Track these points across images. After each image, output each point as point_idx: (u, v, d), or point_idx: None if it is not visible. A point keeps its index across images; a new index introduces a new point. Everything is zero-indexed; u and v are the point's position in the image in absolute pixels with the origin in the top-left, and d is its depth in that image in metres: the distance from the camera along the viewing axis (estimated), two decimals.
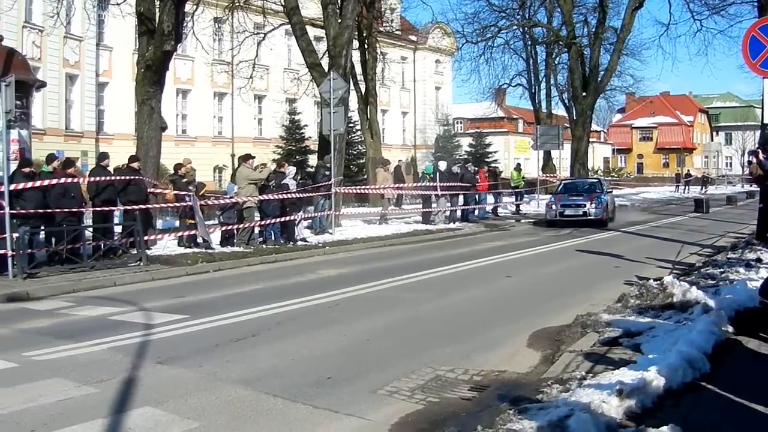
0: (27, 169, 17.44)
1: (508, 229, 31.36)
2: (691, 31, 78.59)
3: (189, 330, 11.40)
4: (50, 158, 19.17)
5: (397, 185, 32.34)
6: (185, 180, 22.28)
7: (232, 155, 54.10)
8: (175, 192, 22.05)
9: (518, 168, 45.53)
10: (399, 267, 18.55)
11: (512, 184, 42.24)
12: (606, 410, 6.36)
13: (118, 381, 8.48)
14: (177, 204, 22.38)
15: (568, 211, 30.94)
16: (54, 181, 17.57)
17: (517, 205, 40.56)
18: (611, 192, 35.93)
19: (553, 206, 31.74)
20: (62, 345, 10.33)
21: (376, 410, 7.48)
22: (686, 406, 6.84)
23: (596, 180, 37.01)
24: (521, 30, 56.64)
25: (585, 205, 30.81)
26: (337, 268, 18.84)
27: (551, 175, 52.94)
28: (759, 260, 14.77)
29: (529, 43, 59.80)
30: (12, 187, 16.26)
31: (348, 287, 15.18)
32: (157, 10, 22.88)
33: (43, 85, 23.38)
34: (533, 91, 62.78)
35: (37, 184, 17.11)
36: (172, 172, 24.18)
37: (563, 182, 36.84)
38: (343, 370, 8.94)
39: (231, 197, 22.71)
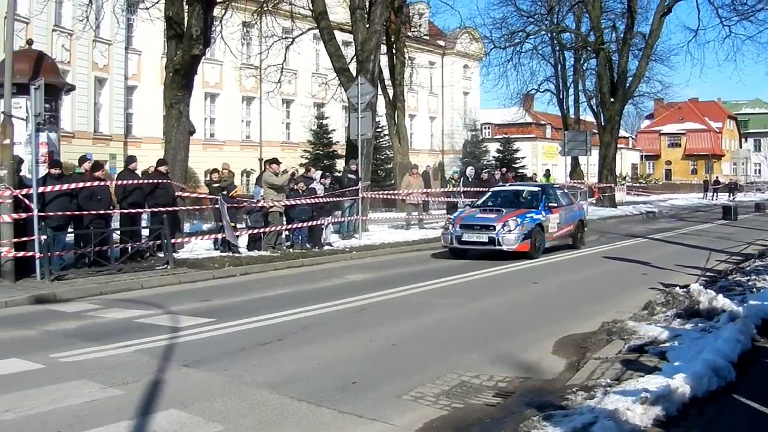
0: (56, 171, 17.56)
1: None
2: (720, 37, 78.32)
3: (215, 333, 11.46)
4: (82, 159, 19.37)
5: (423, 190, 32.16)
6: (217, 185, 22.35)
7: (260, 159, 54.18)
8: (208, 196, 22.33)
9: (547, 174, 45.52)
10: (425, 272, 18.57)
11: None
12: (630, 418, 6.35)
13: (143, 383, 8.54)
14: (202, 207, 22.58)
15: (467, 236, 21.71)
16: (81, 185, 17.70)
17: None
18: (570, 205, 25.38)
19: (450, 227, 22.40)
20: (89, 347, 10.40)
21: (400, 415, 7.50)
22: (711, 414, 6.83)
23: (538, 189, 24.91)
24: (549, 35, 56.41)
25: (494, 228, 21.30)
26: (364, 273, 18.85)
27: (579, 181, 52.70)
28: None
29: (557, 48, 59.48)
30: (40, 190, 16.40)
31: (374, 292, 15.22)
32: (186, 14, 22.93)
33: (72, 88, 23.53)
34: (561, 96, 62.44)
35: (64, 187, 17.24)
36: (208, 175, 24.44)
37: (492, 190, 26.56)
38: (368, 375, 8.97)
39: (257, 201, 22.79)
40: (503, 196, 24.66)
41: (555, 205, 23.46)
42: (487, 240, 21.32)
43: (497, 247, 21.09)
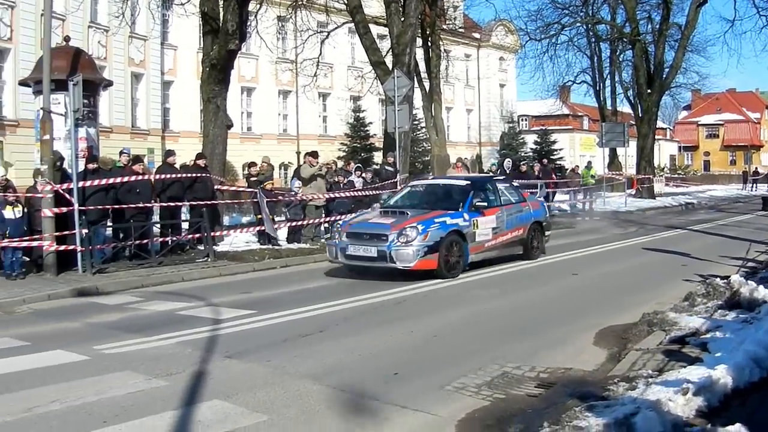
0: (92, 166, 17.73)
1: (573, 226, 30.42)
2: (757, 27, 77.73)
3: (257, 325, 11.56)
4: (121, 154, 19.66)
5: None
6: (255, 179, 22.45)
7: (297, 152, 54.32)
8: (247, 189, 22.56)
9: (588, 166, 45.29)
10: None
11: (582, 182, 41.76)
12: (672, 408, 6.34)
13: (187, 374, 8.64)
14: (240, 200, 22.85)
15: (353, 249, 16.28)
16: (118, 180, 17.88)
17: (584, 203, 40.18)
18: (518, 203, 19.06)
19: (336, 236, 17.19)
20: (131, 339, 10.56)
21: (443, 406, 7.53)
22: (753, 405, 6.81)
23: (466, 183, 18.81)
24: (585, 27, 56.04)
25: (385, 238, 15.89)
26: None
27: (617, 172, 52.40)
28: None
29: (593, 40, 59.16)
30: (80, 184, 16.59)
31: (414, 284, 15.21)
32: (221, 9, 23.05)
33: (109, 83, 23.66)
34: (598, 88, 62.14)
35: (103, 181, 17.42)
36: (246, 168, 24.79)
37: (410, 185, 20.93)
38: (410, 365, 9.00)
39: (294, 193, 22.88)
40: (426, 192, 19.02)
41: (487, 204, 17.87)
42: (376, 255, 15.94)
43: (389, 264, 15.80)
